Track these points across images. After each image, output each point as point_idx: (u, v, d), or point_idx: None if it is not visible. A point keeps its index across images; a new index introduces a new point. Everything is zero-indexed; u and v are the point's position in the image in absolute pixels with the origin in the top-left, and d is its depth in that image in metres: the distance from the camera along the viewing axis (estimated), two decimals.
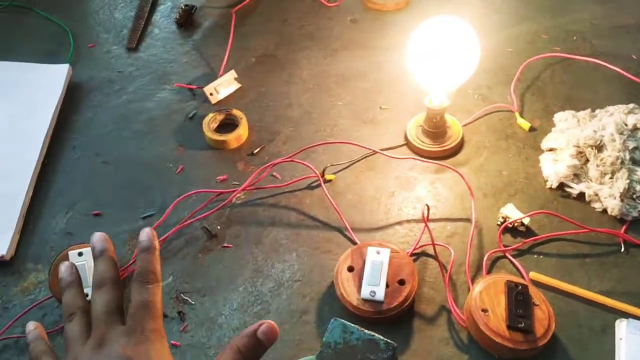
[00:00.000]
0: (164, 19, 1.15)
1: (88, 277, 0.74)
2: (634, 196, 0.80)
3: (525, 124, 0.92)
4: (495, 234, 0.80)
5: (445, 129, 0.88)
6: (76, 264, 0.74)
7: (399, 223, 0.82)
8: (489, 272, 0.77)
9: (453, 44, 0.77)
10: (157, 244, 0.54)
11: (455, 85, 0.81)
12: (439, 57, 0.77)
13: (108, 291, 0.51)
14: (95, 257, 0.54)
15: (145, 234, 0.54)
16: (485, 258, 0.77)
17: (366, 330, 0.62)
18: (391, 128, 0.93)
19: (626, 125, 0.87)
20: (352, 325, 0.62)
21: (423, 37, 0.78)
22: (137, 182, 0.89)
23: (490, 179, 0.86)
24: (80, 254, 0.76)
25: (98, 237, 0.55)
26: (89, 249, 0.77)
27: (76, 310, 0.51)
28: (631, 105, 0.90)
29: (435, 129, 0.87)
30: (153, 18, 1.16)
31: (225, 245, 0.81)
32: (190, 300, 0.76)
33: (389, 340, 0.62)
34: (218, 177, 0.88)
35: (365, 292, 0.71)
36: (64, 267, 0.55)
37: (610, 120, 0.86)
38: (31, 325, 0.53)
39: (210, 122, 0.93)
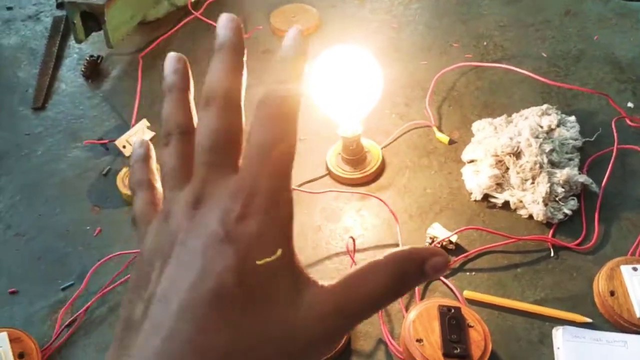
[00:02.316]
0: (70, 72, 1.11)
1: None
2: (557, 199, 0.80)
3: (444, 138, 0.91)
4: None
5: (364, 154, 0.87)
6: None
7: (328, 258, 0.80)
8: (422, 296, 0.75)
9: (352, 73, 0.76)
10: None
11: (363, 113, 0.80)
12: (339, 88, 0.76)
13: (220, 111, 0.29)
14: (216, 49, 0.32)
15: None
16: None
17: None
18: (312, 159, 0.91)
19: (541, 127, 0.87)
20: None
21: (321, 70, 0.76)
22: (54, 251, 0.84)
23: (415, 198, 0.85)
24: None
25: (224, 20, 0.32)
26: (4, 333, 0.72)
27: (174, 131, 0.32)
28: (544, 106, 0.91)
29: (354, 156, 0.86)
30: (59, 73, 1.12)
31: None
32: None
33: None
34: None
35: None
36: (169, 61, 0.33)
37: (525, 124, 0.86)
38: (137, 143, 0.36)
39: (125, 177, 0.89)
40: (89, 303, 0.77)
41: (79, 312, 0.77)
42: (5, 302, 0.80)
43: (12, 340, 0.72)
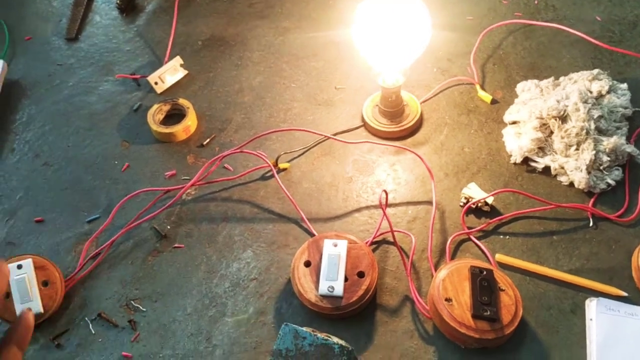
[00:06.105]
0: (105, 4, 1.09)
1: (29, 291, 0.70)
2: (601, 167, 0.77)
3: (486, 97, 0.87)
4: (459, 216, 0.76)
5: (403, 107, 0.84)
6: (15, 277, 0.71)
7: (358, 210, 0.78)
8: (453, 256, 0.73)
9: (400, 19, 0.72)
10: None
11: (407, 63, 0.76)
12: (386, 35, 0.72)
13: None
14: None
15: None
16: (448, 242, 0.73)
17: (319, 334, 0.58)
18: (347, 109, 0.89)
19: (590, 92, 0.83)
20: (305, 330, 0.59)
21: (368, 15, 0.73)
22: (81, 183, 0.84)
23: (452, 157, 0.82)
24: (19, 267, 0.71)
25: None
26: (29, 260, 0.72)
27: None
28: (595, 71, 0.86)
29: (392, 108, 0.83)
30: (94, 4, 1.09)
31: (177, 245, 0.76)
32: (141, 307, 0.72)
33: (343, 344, 0.59)
34: (166, 173, 0.83)
35: (323, 288, 0.67)
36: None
37: (574, 88, 0.82)
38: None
39: (156, 113, 0.88)
40: (114, 237, 0.76)
41: (104, 245, 0.76)
42: (32, 230, 0.79)
43: (37, 267, 0.72)
